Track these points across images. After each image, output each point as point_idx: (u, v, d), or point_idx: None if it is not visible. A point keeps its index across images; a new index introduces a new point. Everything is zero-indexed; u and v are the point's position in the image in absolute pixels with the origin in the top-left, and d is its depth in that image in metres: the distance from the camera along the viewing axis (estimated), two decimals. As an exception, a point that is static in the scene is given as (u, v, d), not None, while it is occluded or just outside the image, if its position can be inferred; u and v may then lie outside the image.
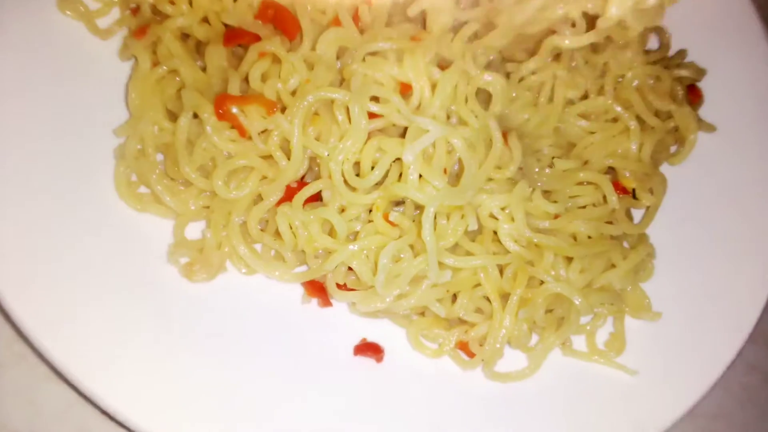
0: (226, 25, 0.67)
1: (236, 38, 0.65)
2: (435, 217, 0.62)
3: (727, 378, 0.68)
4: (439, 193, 0.61)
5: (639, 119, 0.74)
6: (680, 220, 0.76)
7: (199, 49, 0.68)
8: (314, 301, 0.66)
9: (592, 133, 0.73)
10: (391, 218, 0.63)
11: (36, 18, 0.69)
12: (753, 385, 0.78)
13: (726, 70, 0.83)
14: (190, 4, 0.67)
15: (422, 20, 0.68)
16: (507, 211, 0.65)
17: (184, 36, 0.68)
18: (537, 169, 0.69)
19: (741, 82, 0.83)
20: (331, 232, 0.64)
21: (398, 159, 0.63)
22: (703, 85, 0.81)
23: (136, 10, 0.70)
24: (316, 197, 0.65)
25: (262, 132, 0.63)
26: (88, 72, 0.69)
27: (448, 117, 0.66)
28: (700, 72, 0.80)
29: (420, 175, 0.62)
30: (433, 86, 0.64)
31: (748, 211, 0.76)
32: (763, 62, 0.84)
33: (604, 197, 0.70)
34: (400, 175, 0.64)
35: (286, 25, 0.65)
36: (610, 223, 0.70)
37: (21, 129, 0.64)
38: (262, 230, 0.65)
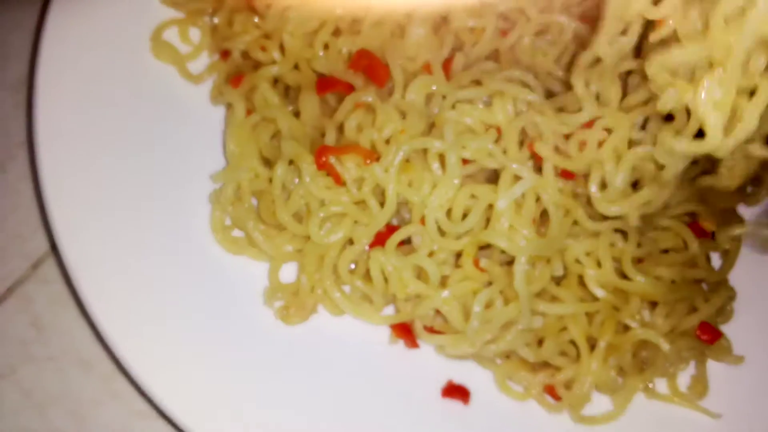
0: (315, 72, 0.69)
1: (329, 87, 0.67)
2: (523, 264, 0.63)
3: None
4: (528, 244, 0.63)
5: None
6: (757, 260, 0.76)
7: (288, 93, 0.70)
8: (401, 341, 0.67)
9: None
10: (481, 264, 0.64)
11: (130, 63, 0.71)
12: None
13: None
14: (281, 50, 0.69)
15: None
16: (592, 257, 0.66)
17: (275, 81, 0.70)
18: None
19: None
20: (420, 276, 0.65)
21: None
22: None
23: (226, 54, 0.72)
24: (403, 241, 0.66)
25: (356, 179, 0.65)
26: (181, 116, 0.70)
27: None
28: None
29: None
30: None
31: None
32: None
33: (685, 241, 0.71)
34: (487, 220, 0.65)
35: (376, 73, 0.67)
36: (692, 266, 0.71)
37: (118, 173, 0.66)
38: (351, 272, 0.66)
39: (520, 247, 0.63)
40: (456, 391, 0.65)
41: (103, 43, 0.70)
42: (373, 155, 0.64)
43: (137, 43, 0.71)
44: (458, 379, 0.66)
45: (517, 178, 0.64)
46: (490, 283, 0.64)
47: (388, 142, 0.64)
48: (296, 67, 0.70)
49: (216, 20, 0.72)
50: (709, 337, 0.69)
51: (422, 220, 0.65)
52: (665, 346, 0.65)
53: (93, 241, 0.63)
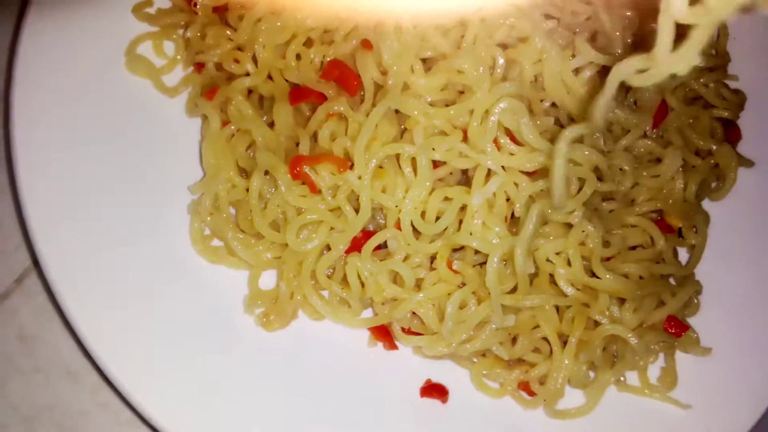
0: (288, 82, 0.71)
1: (302, 97, 0.68)
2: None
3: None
4: (501, 241, 0.65)
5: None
6: (723, 254, 0.79)
7: (262, 103, 0.72)
8: (380, 344, 0.69)
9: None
10: (454, 266, 0.66)
11: (104, 77, 0.72)
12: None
13: (762, 104, 0.85)
14: (254, 61, 0.71)
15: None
16: (563, 256, 0.68)
17: (249, 91, 0.71)
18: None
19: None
20: (396, 280, 0.67)
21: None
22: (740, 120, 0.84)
23: (200, 67, 0.73)
24: (379, 245, 0.68)
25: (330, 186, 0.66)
26: (158, 128, 0.71)
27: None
28: (738, 109, 0.82)
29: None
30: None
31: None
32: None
33: (652, 237, 0.73)
34: (459, 222, 0.67)
35: (348, 83, 0.68)
36: (659, 262, 0.73)
37: (97, 187, 0.67)
38: (329, 277, 0.68)
39: (492, 246, 0.65)
40: (434, 390, 0.67)
41: (79, 59, 0.71)
42: (346, 163, 0.65)
43: (112, 57, 0.72)
44: (436, 378, 0.68)
45: (488, 176, 0.66)
46: (463, 285, 0.66)
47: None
48: (269, 77, 0.71)
49: (189, 34, 0.73)
50: (676, 331, 0.72)
51: (397, 225, 0.67)
52: (633, 340, 0.67)
53: (74, 254, 0.64)
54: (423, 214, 0.66)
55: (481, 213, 0.65)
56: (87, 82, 0.70)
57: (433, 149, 0.65)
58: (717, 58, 0.83)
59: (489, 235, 0.65)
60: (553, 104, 0.70)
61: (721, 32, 0.85)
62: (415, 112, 0.66)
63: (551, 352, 0.68)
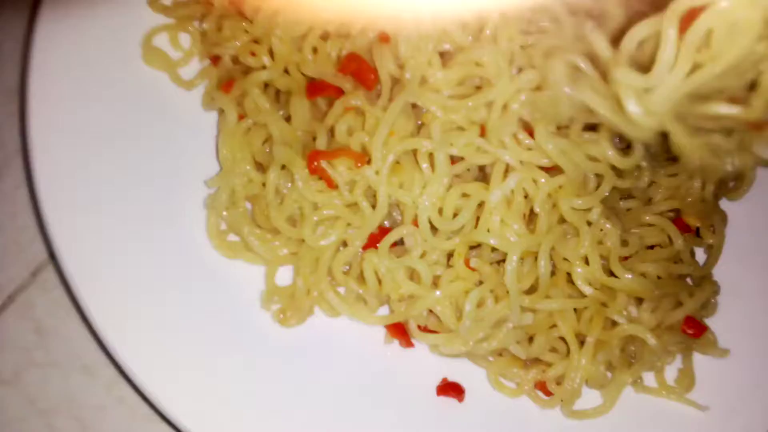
0: (305, 75, 0.70)
1: (319, 91, 0.67)
2: (513, 262, 0.64)
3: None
4: (519, 240, 0.64)
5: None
6: (741, 255, 0.78)
7: (278, 97, 0.71)
8: (396, 341, 0.69)
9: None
10: (471, 264, 0.66)
11: (120, 70, 0.72)
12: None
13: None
14: (271, 55, 0.70)
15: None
16: (580, 254, 0.67)
17: (265, 85, 0.71)
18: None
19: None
20: (412, 277, 0.67)
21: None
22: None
23: (216, 60, 0.73)
24: (396, 242, 0.67)
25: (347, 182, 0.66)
26: (174, 121, 0.71)
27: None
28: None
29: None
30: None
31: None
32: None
33: (669, 237, 0.73)
34: (477, 219, 0.66)
35: (365, 77, 0.67)
36: (677, 262, 0.73)
37: (114, 180, 0.67)
38: (345, 273, 0.68)
39: (511, 243, 0.64)
40: (451, 389, 0.67)
41: (94, 50, 0.70)
42: (363, 158, 0.65)
43: (128, 49, 0.72)
44: (452, 377, 0.68)
45: (506, 173, 0.65)
46: (481, 282, 0.66)
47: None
48: (286, 71, 0.70)
49: (205, 26, 0.72)
50: (694, 332, 0.71)
51: (414, 221, 0.66)
52: (652, 341, 0.67)
53: (90, 248, 0.64)
54: (440, 211, 0.65)
55: (499, 210, 0.64)
56: (103, 75, 0.70)
57: (451, 144, 0.65)
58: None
59: (507, 233, 0.64)
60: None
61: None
62: (433, 107, 0.65)
63: (568, 351, 0.67)
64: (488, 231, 0.64)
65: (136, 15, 0.73)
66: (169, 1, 0.74)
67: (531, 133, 0.66)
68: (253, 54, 0.70)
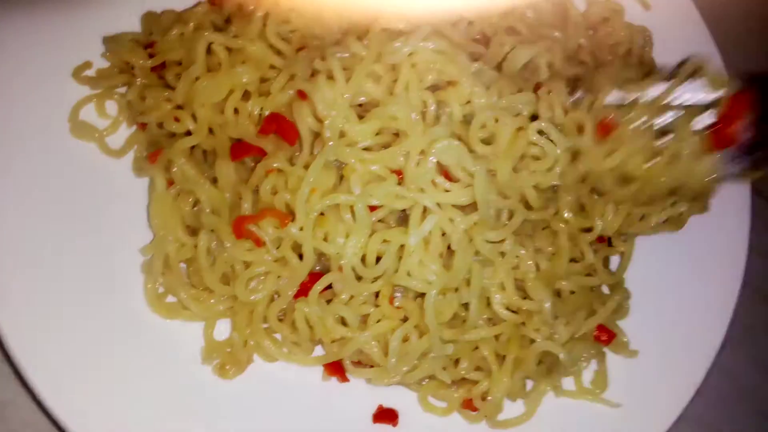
0: (229, 137, 0.74)
1: (243, 152, 0.72)
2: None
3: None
4: (437, 279, 0.70)
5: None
6: (648, 259, 0.85)
7: (206, 157, 0.75)
8: (333, 377, 0.75)
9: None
10: (395, 302, 0.71)
11: (49, 141, 0.74)
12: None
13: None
14: (194, 118, 0.74)
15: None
16: (497, 281, 0.74)
17: (191, 147, 0.74)
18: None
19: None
20: (343, 320, 0.72)
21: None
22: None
23: (143, 126, 0.76)
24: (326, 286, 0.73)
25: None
26: (108, 190, 0.74)
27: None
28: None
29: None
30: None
31: (710, 247, 0.86)
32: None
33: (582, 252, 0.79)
34: (399, 257, 0.72)
35: (286, 134, 0.72)
36: (590, 274, 0.79)
37: (48, 249, 0.70)
38: (280, 320, 0.73)
39: (429, 283, 0.70)
40: (385, 416, 0.73)
41: (22, 123, 0.73)
42: (288, 217, 0.69)
43: (56, 122, 0.75)
44: (387, 403, 0.74)
45: (424, 212, 0.71)
46: (407, 319, 0.72)
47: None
48: (211, 131, 0.74)
49: (129, 97, 0.76)
50: (606, 338, 0.79)
51: (341, 267, 0.71)
52: (563, 356, 0.74)
53: (30, 318, 0.67)
54: (363, 258, 0.71)
55: (418, 252, 0.70)
56: (31, 146, 0.73)
57: (371, 195, 0.69)
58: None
59: (426, 273, 0.70)
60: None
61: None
62: (352, 160, 0.70)
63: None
64: (408, 274, 0.70)
65: (60, 88, 0.76)
66: (93, 72, 0.77)
67: (447, 176, 0.71)
68: (176, 120, 0.74)
